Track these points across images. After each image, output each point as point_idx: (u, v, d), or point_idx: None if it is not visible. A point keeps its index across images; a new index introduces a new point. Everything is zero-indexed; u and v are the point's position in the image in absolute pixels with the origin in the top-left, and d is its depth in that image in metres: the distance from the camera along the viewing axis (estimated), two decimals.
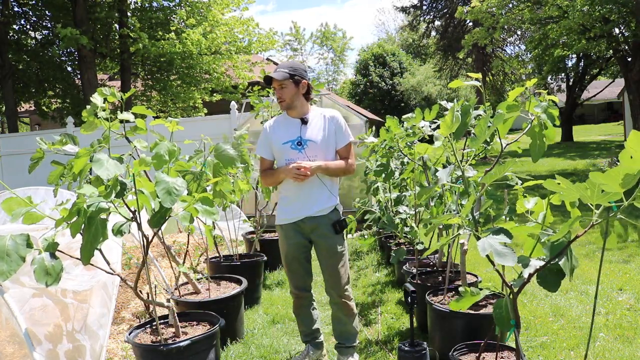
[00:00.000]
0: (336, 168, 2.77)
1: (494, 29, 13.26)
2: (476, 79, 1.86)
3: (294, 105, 2.74)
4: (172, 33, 11.77)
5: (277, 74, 2.68)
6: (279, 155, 2.77)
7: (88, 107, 2.18)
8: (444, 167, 3.13)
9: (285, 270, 2.97)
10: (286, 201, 2.81)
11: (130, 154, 2.38)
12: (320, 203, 2.76)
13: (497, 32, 13.60)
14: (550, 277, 1.54)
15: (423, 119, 2.96)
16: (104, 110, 2.19)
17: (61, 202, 2.07)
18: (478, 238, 1.58)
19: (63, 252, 2.05)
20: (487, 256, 1.54)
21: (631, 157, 1.21)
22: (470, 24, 22.31)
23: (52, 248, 1.94)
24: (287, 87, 2.69)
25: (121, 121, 2.27)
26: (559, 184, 1.41)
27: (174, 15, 12.48)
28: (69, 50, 13.18)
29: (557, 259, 1.50)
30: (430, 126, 3.05)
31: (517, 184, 2.33)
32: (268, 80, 2.72)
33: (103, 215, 1.99)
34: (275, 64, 21.09)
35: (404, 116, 3.24)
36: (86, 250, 1.97)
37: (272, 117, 2.95)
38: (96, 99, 2.16)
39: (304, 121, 2.74)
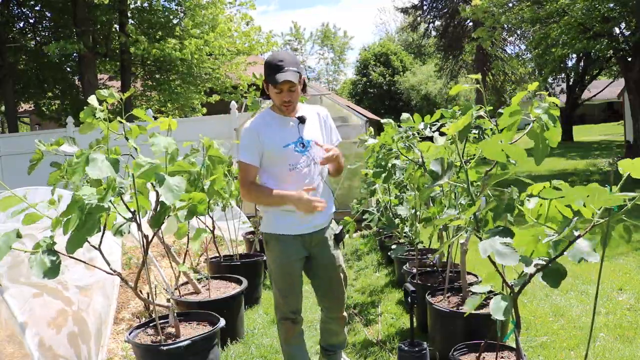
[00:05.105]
0: (342, 165, 2.53)
1: (494, 29, 13.28)
2: (475, 80, 1.86)
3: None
4: (175, 39, 11.78)
5: (292, 75, 2.25)
6: (279, 161, 2.35)
7: (86, 108, 2.18)
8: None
9: (279, 292, 2.46)
10: (288, 209, 2.35)
11: (129, 154, 2.38)
12: (330, 210, 2.50)
13: (497, 31, 13.60)
14: (552, 274, 1.55)
15: (422, 121, 2.97)
16: (102, 111, 2.18)
17: (51, 199, 2.07)
18: (480, 239, 1.58)
19: (62, 253, 2.05)
20: (489, 257, 1.54)
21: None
22: (471, 24, 22.32)
23: (50, 247, 1.94)
24: (296, 89, 2.32)
25: (120, 121, 2.27)
26: (558, 189, 1.41)
27: (175, 20, 12.50)
28: (67, 52, 13.20)
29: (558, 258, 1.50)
30: (430, 128, 3.05)
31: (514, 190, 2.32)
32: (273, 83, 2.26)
33: (102, 214, 2.00)
34: None
35: (403, 115, 3.23)
36: (76, 239, 1.95)
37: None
38: (93, 100, 2.16)
39: (302, 120, 2.39)
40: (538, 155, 1.68)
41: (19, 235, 1.88)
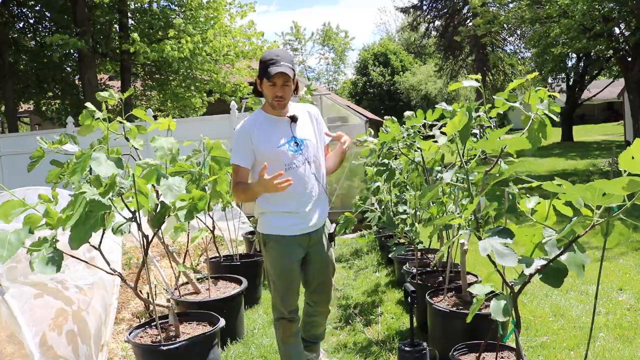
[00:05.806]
0: (344, 157, 2.62)
1: (491, 24, 13.33)
2: (475, 80, 1.86)
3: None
4: (172, 39, 11.76)
5: (286, 68, 2.24)
6: (274, 161, 2.31)
7: (85, 110, 2.19)
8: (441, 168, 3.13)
9: (278, 292, 2.47)
10: (289, 208, 2.37)
11: (129, 154, 2.38)
12: (326, 209, 2.53)
13: (496, 26, 13.65)
14: (553, 274, 1.55)
15: (425, 118, 2.96)
16: (102, 112, 2.19)
17: (42, 194, 2.07)
18: (480, 238, 1.58)
19: (63, 252, 2.05)
20: (488, 256, 1.54)
21: (632, 158, 1.21)
22: (471, 23, 22.31)
23: (52, 244, 1.95)
24: (289, 85, 2.31)
25: (120, 122, 2.28)
26: (559, 185, 1.41)
27: (172, 19, 12.49)
28: (68, 51, 13.22)
29: (560, 256, 1.51)
30: (432, 127, 3.05)
31: (513, 189, 2.31)
32: (268, 76, 2.23)
33: (104, 211, 2.00)
34: None
35: (405, 113, 3.23)
36: (79, 234, 1.95)
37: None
38: (90, 105, 2.17)
39: (294, 119, 2.39)
40: (533, 141, 1.69)
41: (31, 232, 1.89)
